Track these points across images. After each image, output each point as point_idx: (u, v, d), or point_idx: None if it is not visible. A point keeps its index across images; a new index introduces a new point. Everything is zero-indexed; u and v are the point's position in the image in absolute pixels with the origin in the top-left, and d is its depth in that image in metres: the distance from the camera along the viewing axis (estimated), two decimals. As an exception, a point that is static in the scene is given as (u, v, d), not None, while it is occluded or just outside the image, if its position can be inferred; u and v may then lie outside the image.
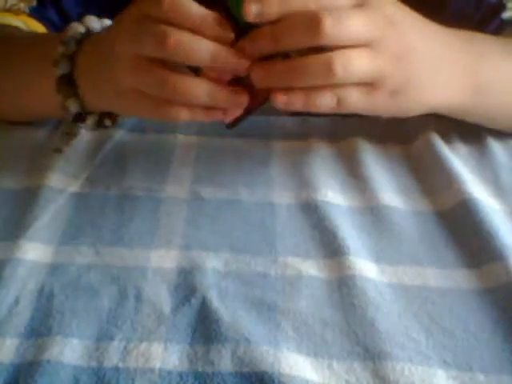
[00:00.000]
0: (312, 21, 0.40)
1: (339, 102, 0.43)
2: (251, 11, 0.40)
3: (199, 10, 0.42)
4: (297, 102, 0.42)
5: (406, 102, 0.47)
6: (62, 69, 0.49)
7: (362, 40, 0.42)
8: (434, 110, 0.51)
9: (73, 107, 0.50)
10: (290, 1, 0.41)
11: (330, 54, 0.41)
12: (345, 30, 0.41)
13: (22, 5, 0.61)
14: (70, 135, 0.54)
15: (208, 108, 0.44)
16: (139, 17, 0.43)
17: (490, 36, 0.53)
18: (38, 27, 0.62)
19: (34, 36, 0.59)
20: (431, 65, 0.47)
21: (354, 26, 0.41)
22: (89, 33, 0.50)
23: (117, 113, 0.53)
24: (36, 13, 0.62)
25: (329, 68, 0.41)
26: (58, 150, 0.53)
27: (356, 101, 0.43)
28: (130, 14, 0.44)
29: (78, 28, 0.50)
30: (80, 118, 0.51)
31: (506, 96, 0.53)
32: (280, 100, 0.42)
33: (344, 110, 0.44)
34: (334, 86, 0.42)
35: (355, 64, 0.41)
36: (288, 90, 0.42)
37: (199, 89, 0.43)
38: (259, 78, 0.43)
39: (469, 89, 0.50)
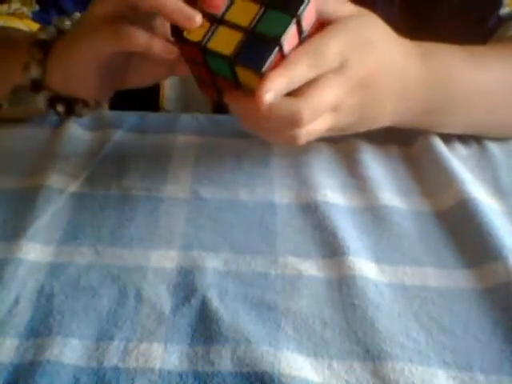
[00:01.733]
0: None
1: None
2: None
3: None
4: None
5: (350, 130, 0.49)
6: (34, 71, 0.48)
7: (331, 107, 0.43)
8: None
9: (34, 71, 0.49)
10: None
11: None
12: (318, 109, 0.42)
13: (25, 9, 0.61)
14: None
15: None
16: None
17: (459, 48, 0.53)
18: None
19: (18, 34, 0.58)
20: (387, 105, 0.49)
21: (328, 101, 0.42)
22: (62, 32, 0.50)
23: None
24: (38, 17, 0.62)
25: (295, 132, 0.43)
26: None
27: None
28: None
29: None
30: (36, 86, 0.49)
31: (476, 108, 0.54)
32: None
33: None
34: None
35: (317, 130, 0.44)
36: None
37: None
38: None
39: (418, 109, 0.51)
